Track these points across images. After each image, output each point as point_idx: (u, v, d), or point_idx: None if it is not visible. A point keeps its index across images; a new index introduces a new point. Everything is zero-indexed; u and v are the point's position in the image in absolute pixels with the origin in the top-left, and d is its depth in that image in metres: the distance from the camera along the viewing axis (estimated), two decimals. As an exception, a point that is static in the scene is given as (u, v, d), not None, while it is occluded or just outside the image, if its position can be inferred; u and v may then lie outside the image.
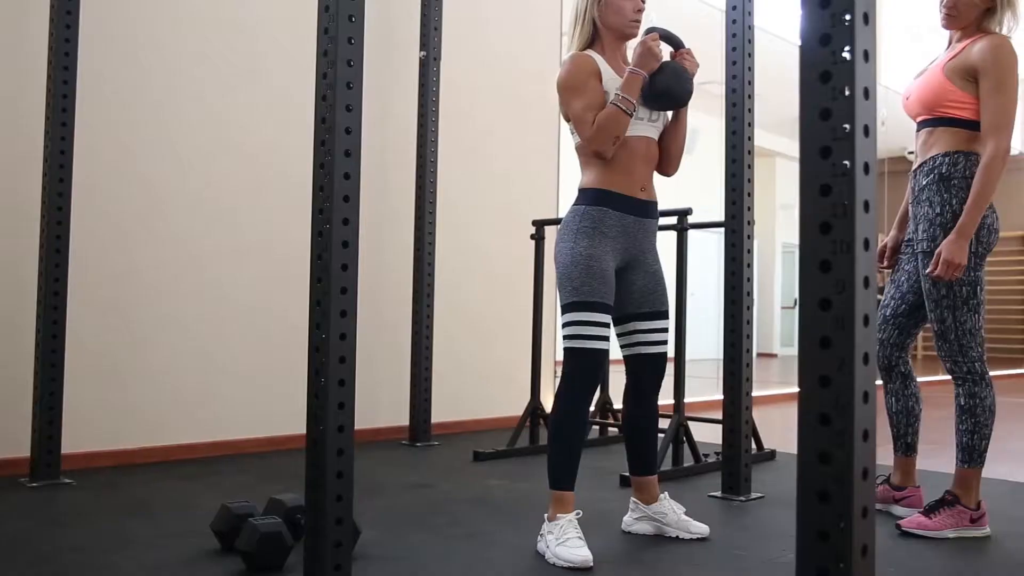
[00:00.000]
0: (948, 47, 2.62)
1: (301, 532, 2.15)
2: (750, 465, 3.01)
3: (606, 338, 2.30)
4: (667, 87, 2.30)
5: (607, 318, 2.30)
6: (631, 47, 2.40)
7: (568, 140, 2.49)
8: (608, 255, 2.31)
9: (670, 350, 2.55)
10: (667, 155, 2.47)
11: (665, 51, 2.37)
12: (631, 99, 2.27)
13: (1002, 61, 2.43)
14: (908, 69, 2.92)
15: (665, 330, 2.47)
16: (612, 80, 2.33)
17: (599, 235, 2.30)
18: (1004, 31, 2.52)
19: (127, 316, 3.42)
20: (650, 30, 2.36)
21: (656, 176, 2.46)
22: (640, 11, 2.39)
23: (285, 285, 3.80)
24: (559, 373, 2.46)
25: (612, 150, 2.29)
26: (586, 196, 2.36)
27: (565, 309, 2.31)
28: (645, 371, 2.46)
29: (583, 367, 2.28)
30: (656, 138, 2.42)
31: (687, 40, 2.45)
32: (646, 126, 2.37)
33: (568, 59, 2.37)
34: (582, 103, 2.30)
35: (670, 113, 2.46)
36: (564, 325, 2.31)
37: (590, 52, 2.38)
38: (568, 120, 2.39)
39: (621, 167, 2.33)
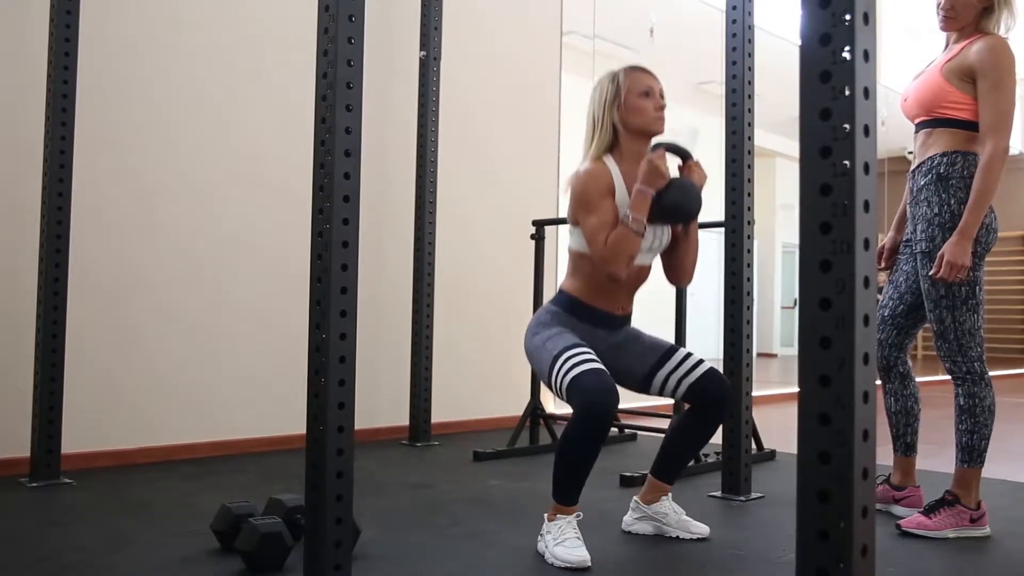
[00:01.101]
0: (946, 48, 2.63)
1: (301, 532, 2.15)
2: (750, 465, 3.01)
3: (600, 362, 2.20)
4: (676, 205, 2.26)
5: (592, 352, 2.23)
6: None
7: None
8: (578, 338, 2.29)
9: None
10: (681, 267, 2.42)
11: (672, 160, 2.33)
12: (641, 219, 2.22)
13: (1000, 61, 2.43)
14: (908, 69, 2.92)
15: (692, 355, 2.39)
16: (625, 198, 2.29)
17: (567, 328, 2.31)
18: (1002, 31, 2.52)
19: (127, 316, 3.42)
20: (656, 146, 2.31)
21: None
22: (662, 107, 2.33)
23: (285, 285, 3.80)
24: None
25: (626, 271, 2.26)
26: (564, 301, 2.35)
27: (551, 367, 2.21)
28: (709, 393, 2.33)
29: (589, 391, 2.11)
30: (650, 263, 2.40)
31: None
32: (644, 255, 2.34)
33: (583, 172, 2.29)
34: (595, 221, 2.24)
35: (668, 235, 2.40)
36: (556, 376, 2.19)
37: (607, 162, 2.32)
38: (574, 224, 2.33)
39: (608, 290, 2.31)
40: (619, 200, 2.29)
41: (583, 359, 2.18)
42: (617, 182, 2.30)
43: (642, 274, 2.39)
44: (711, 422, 2.37)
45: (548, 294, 4.35)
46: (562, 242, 4.95)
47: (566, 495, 2.22)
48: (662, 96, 2.34)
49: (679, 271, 2.44)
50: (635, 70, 2.36)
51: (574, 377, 2.15)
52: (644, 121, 2.32)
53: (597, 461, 2.19)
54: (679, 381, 2.35)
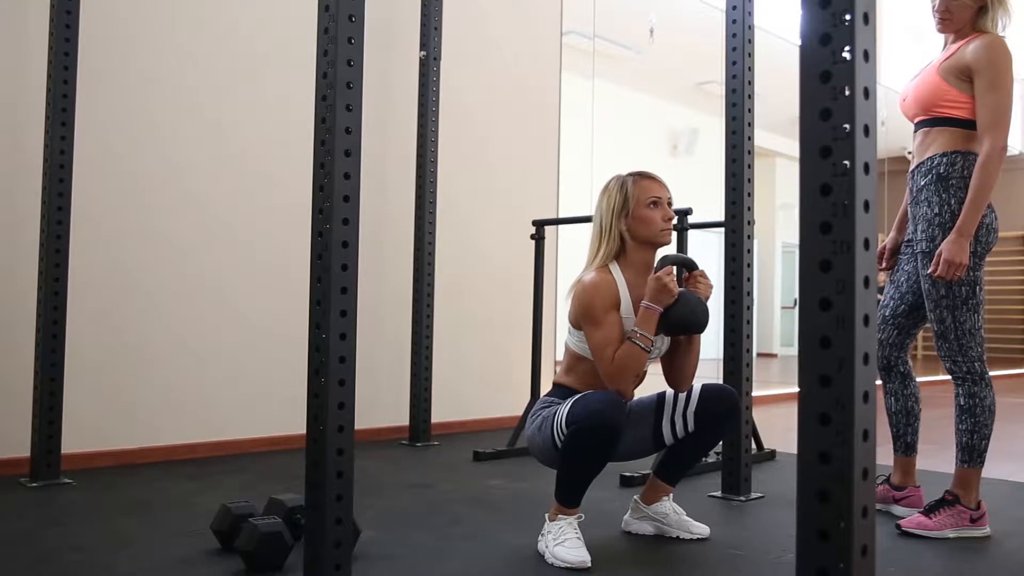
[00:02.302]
0: (944, 48, 2.63)
1: (301, 532, 2.15)
2: (750, 465, 3.01)
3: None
4: (683, 320, 2.25)
5: None
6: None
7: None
8: None
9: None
10: (681, 373, 2.40)
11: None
12: (649, 336, 2.21)
13: (996, 59, 2.44)
14: (908, 69, 2.92)
15: (681, 391, 2.39)
16: (630, 309, 2.28)
17: None
18: (999, 29, 2.52)
19: (127, 316, 3.42)
20: (663, 261, 2.30)
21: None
22: (670, 218, 2.32)
23: (285, 285, 3.80)
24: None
25: (632, 388, 2.26)
26: (560, 392, 2.34)
27: (554, 416, 2.22)
28: (715, 410, 2.32)
29: (594, 399, 2.13)
30: (649, 367, 2.37)
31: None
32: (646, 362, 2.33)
33: (588, 283, 2.26)
34: (600, 336, 2.22)
35: (667, 342, 2.39)
36: (558, 417, 2.20)
37: (613, 271, 2.30)
38: (576, 328, 2.31)
39: (604, 388, 2.27)
40: (624, 311, 2.28)
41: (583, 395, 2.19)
42: (622, 292, 2.29)
43: (641, 374, 2.35)
44: (723, 430, 2.38)
45: (548, 294, 4.37)
46: (563, 242, 4.95)
47: (569, 499, 2.23)
48: (670, 204, 2.34)
49: (679, 376, 2.40)
50: (644, 178, 2.34)
51: (574, 401, 2.17)
52: (652, 233, 2.30)
53: (598, 471, 2.19)
54: (683, 416, 2.35)
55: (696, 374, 2.42)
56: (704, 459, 3.45)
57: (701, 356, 2.42)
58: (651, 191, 2.31)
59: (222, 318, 3.68)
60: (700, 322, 2.27)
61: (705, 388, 2.36)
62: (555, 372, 4.77)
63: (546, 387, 4.55)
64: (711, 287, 2.36)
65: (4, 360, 3.13)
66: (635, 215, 2.30)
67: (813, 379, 1.05)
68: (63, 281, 3.02)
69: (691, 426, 2.34)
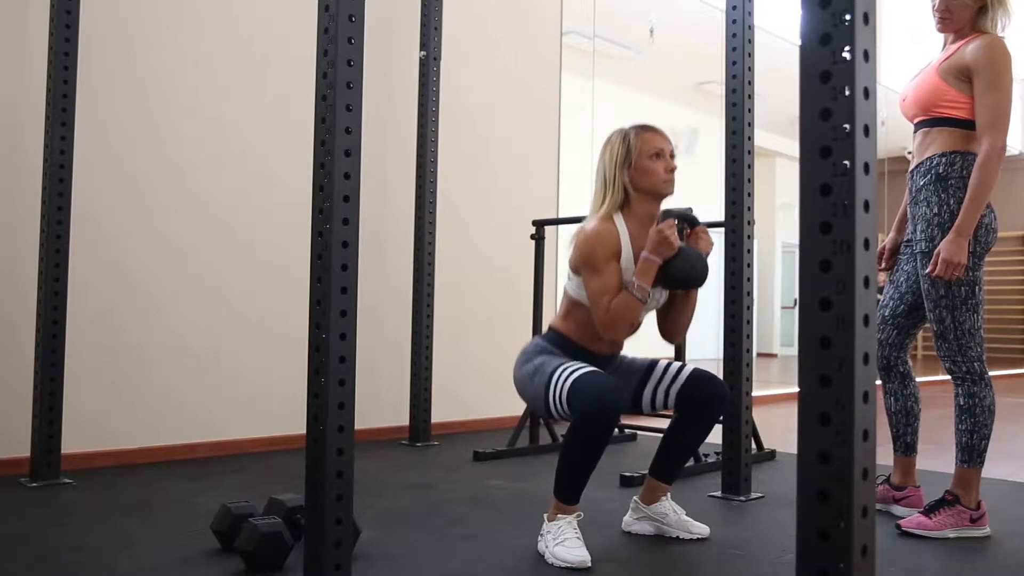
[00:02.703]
0: (944, 48, 2.63)
1: (301, 532, 2.15)
2: (750, 465, 3.01)
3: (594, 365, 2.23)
4: (682, 275, 2.26)
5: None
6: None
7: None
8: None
9: (670, 350, 2.54)
10: (676, 325, 2.43)
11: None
12: (647, 287, 2.22)
13: (995, 60, 2.44)
14: (908, 69, 2.92)
15: (672, 363, 2.41)
16: (630, 261, 2.29)
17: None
18: (999, 30, 2.52)
19: (127, 316, 3.42)
20: (665, 214, 2.30)
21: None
22: (672, 169, 2.33)
23: (285, 285, 3.80)
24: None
25: (626, 336, 2.28)
26: (552, 337, 2.36)
27: (548, 383, 2.23)
28: (700, 395, 2.34)
29: (591, 388, 2.12)
30: (645, 316, 2.39)
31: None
32: (642, 312, 2.34)
33: (591, 231, 2.28)
34: (599, 284, 2.24)
35: (665, 295, 2.40)
36: (555, 388, 2.20)
37: (616, 221, 2.31)
38: (575, 273, 2.33)
39: (599, 336, 2.30)
40: (625, 262, 2.29)
41: (581, 366, 2.20)
42: (624, 243, 2.30)
43: (635, 327, 2.37)
44: (706, 420, 2.38)
45: (548, 294, 4.36)
46: (563, 242, 4.95)
47: (568, 493, 2.22)
48: (673, 157, 2.34)
49: (673, 329, 2.44)
50: (646, 130, 2.35)
51: (575, 380, 2.16)
52: (654, 184, 2.31)
53: (598, 461, 2.19)
54: (666, 391, 2.37)
55: (689, 328, 2.45)
56: (704, 459, 3.45)
57: (701, 357, 2.42)
58: (654, 143, 2.32)
59: (222, 318, 3.68)
60: (699, 277, 2.29)
61: (696, 372, 2.37)
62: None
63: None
64: (712, 244, 2.37)
65: (4, 360, 3.13)
66: (638, 166, 2.31)
67: (813, 379, 1.05)
68: (63, 281, 3.02)
69: (670, 403, 2.36)
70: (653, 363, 2.42)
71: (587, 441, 2.15)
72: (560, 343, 2.35)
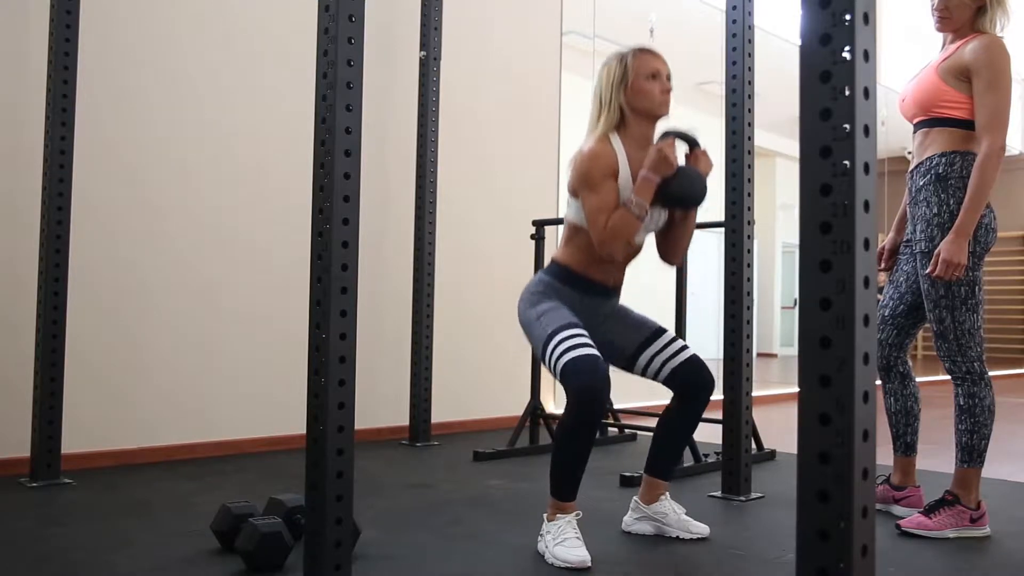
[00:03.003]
0: (943, 48, 2.63)
1: (301, 532, 2.15)
2: (750, 465, 3.01)
3: (594, 346, 2.22)
4: (682, 194, 2.27)
5: (587, 334, 2.24)
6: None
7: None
8: (571, 314, 2.29)
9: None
10: (675, 247, 2.44)
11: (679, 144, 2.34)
12: (645, 205, 2.23)
13: (994, 60, 2.44)
14: (908, 69, 2.92)
15: (677, 339, 2.42)
16: (628, 180, 2.29)
17: (559, 301, 2.31)
18: (997, 30, 2.52)
19: (127, 316, 3.42)
20: (665, 134, 2.32)
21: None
22: (667, 91, 2.33)
23: (285, 285, 3.80)
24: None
25: (623, 254, 2.28)
26: (556, 271, 2.36)
27: (544, 346, 2.22)
28: (690, 379, 2.37)
29: (584, 374, 2.13)
30: (644, 239, 2.40)
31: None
32: (640, 233, 2.35)
33: (588, 151, 2.29)
34: (596, 202, 2.25)
35: (665, 214, 2.41)
36: (550, 357, 2.20)
37: (613, 142, 2.31)
38: (574, 196, 2.34)
39: (601, 262, 2.32)
40: (622, 182, 2.29)
41: (576, 342, 2.19)
42: (621, 163, 2.31)
43: (636, 249, 2.39)
44: (693, 411, 2.40)
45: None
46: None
47: (564, 489, 2.23)
48: (669, 79, 2.35)
49: (672, 251, 2.46)
50: (643, 52, 2.36)
51: (568, 361, 2.16)
52: (650, 104, 2.32)
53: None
54: (663, 363, 2.38)
55: (687, 250, 2.47)
56: (704, 459, 3.45)
57: (702, 356, 2.42)
58: (650, 64, 2.33)
59: (222, 318, 3.68)
60: (698, 195, 2.29)
61: (695, 357, 2.39)
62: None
63: (546, 387, 4.57)
64: (712, 165, 2.37)
65: (4, 360, 3.13)
66: (634, 87, 2.32)
67: (813, 379, 1.05)
68: (63, 281, 3.02)
69: (662, 376, 2.38)
70: (660, 330, 2.42)
71: (579, 427, 2.16)
72: (562, 275, 2.34)
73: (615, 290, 2.42)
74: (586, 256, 2.33)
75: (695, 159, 2.36)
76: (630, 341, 2.40)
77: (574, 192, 2.33)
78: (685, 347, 2.40)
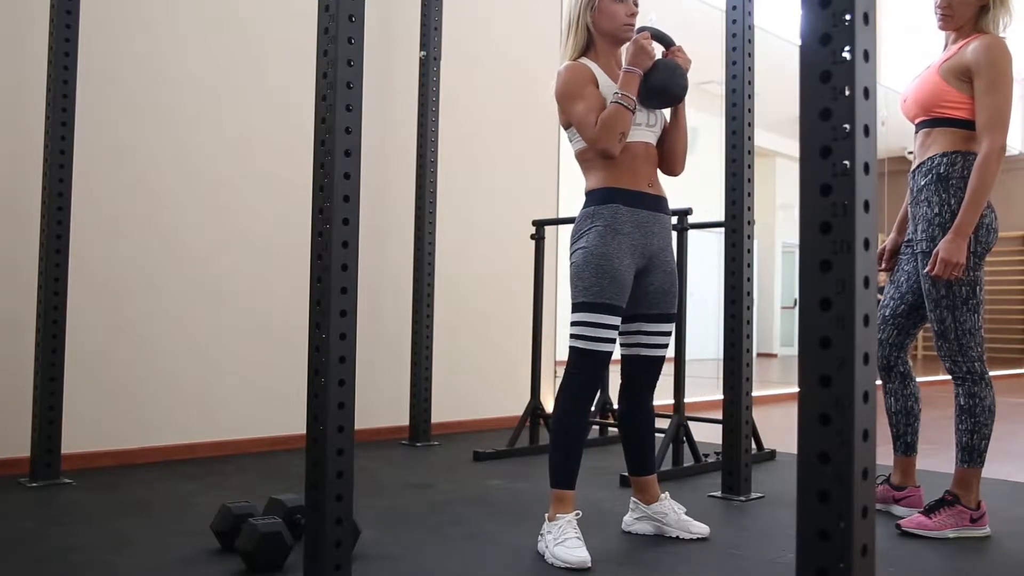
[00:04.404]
0: (945, 48, 2.63)
1: (301, 532, 2.15)
2: (750, 465, 3.01)
3: (612, 340, 2.29)
4: (663, 83, 2.32)
5: (616, 320, 2.27)
6: (624, 52, 2.40)
7: (567, 141, 2.48)
8: (625, 254, 2.28)
9: (670, 350, 2.55)
10: (672, 155, 2.46)
11: (657, 50, 2.38)
12: (631, 95, 2.27)
13: (995, 60, 2.44)
14: (908, 69, 2.92)
15: (669, 334, 2.46)
16: (608, 86, 2.33)
17: (613, 232, 2.28)
18: (1000, 30, 2.52)
19: (127, 316, 3.42)
20: (641, 30, 2.37)
21: (661, 177, 2.46)
22: (633, 15, 2.39)
23: (285, 285, 3.80)
24: (560, 373, 2.46)
25: (619, 147, 2.27)
26: (594, 197, 2.34)
27: (575, 308, 2.30)
28: (641, 372, 2.46)
29: (586, 367, 2.28)
30: (655, 142, 2.42)
31: (687, 41, 2.46)
32: (644, 131, 2.37)
33: (563, 69, 2.36)
34: (583, 107, 2.29)
35: (667, 115, 2.46)
36: (572, 324, 2.30)
37: (584, 60, 2.38)
38: (567, 127, 2.39)
39: (625, 166, 2.33)
40: (603, 89, 2.33)
41: (595, 335, 2.25)
42: (598, 73, 2.35)
43: (650, 151, 2.39)
44: (640, 401, 2.48)
45: (548, 294, 4.36)
46: (563, 242, 4.95)
47: (563, 476, 2.26)
48: (636, 4, 2.39)
49: (671, 158, 2.46)
50: None
51: (580, 349, 2.28)
52: (614, 26, 2.37)
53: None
54: (636, 344, 2.43)
55: (686, 154, 2.49)
56: (704, 459, 3.45)
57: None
58: None
59: (222, 318, 3.68)
60: (678, 84, 2.34)
61: (659, 361, 2.46)
62: (556, 373, 4.77)
63: (546, 387, 4.57)
64: (690, 61, 2.40)
65: (4, 360, 3.13)
66: (600, 7, 2.37)
67: (813, 379, 1.05)
68: (63, 281, 3.02)
69: (625, 351, 2.46)
70: (668, 317, 2.43)
71: (579, 386, 2.27)
72: (599, 196, 2.33)
73: (658, 200, 2.38)
74: (609, 170, 2.33)
75: (672, 55, 2.40)
76: (646, 303, 2.40)
77: (566, 120, 2.37)
78: (665, 346, 2.45)
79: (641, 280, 2.38)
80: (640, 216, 2.32)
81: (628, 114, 2.26)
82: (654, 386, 2.50)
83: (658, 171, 2.44)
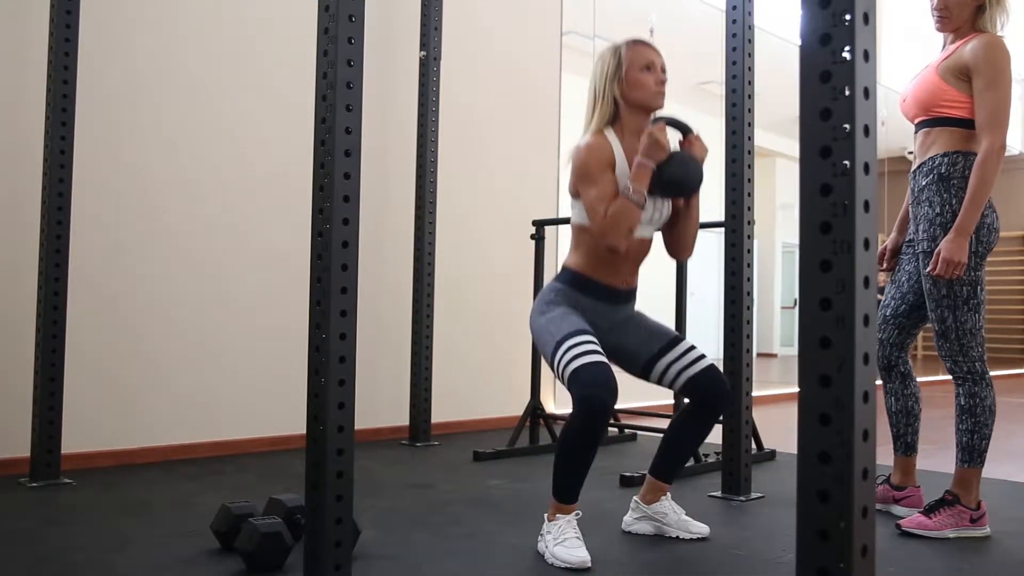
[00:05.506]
0: (943, 48, 2.64)
1: (301, 532, 2.15)
2: (750, 465, 3.01)
3: (603, 353, 2.21)
4: (676, 177, 2.26)
5: (596, 340, 2.22)
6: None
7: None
8: (582, 321, 2.28)
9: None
10: (682, 242, 2.43)
11: (673, 135, 2.34)
12: (642, 190, 2.23)
13: (994, 59, 2.44)
14: (908, 69, 2.92)
15: (695, 348, 2.39)
16: (625, 172, 2.29)
17: (575, 310, 2.30)
18: (997, 29, 2.52)
19: (127, 316, 3.42)
20: (656, 120, 2.32)
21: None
22: (663, 82, 2.33)
23: (285, 285, 3.80)
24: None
25: (626, 243, 2.25)
26: (566, 276, 2.35)
27: (553, 352, 2.20)
28: (707, 389, 2.33)
29: (590, 385, 2.11)
30: (651, 236, 2.40)
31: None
32: (644, 227, 2.34)
33: (584, 145, 2.30)
34: (595, 194, 2.24)
35: (668, 208, 2.40)
36: (558, 363, 2.18)
37: (608, 135, 2.32)
38: (575, 197, 2.34)
39: (610, 263, 2.31)
40: (620, 173, 2.29)
41: (585, 349, 2.17)
42: (618, 155, 2.31)
43: (644, 247, 2.38)
44: (707, 420, 2.38)
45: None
46: (562, 242, 4.95)
47: (566, 493, 2.22)
48: (663, 71, 2.35)
49: (679, 245, 2.44)
50: (637, 43, 2.36)
51: (575, 369, 2.14)
52: (644, 96, 2.32)
53: (597, 461, 2.20)
54: (679, 372, 2.35)
55: (695, 243, 2.44)
56: (704, 459, 3.45)
57: (703, 351, 2.41)
58: (644, 55, 2.33)
59: (222, 318, 3.68)
60: (693, 179, 2.29)
61: (712, 368, 2.36)
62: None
63: (546, 387, 4.57)
64: (707, 150, 2.37)
65: (4, 360, 3.13)
66: (628, 79, 2.31)
67: (813, 379, 1.05)
68: (63, 281, 3.02)
69: (678, 385, 2.35)
70: (676, 339, 2.41)
71: (582, 434, 2.15)
72: (573, 280, 2.33)
73: (628, 294, 2.39)
74: (595, 258, 2.32)
75: (689, 144, 2.36)
76: (646, 349, 2.38)
77: (575, 192, 2.32)
78: (702, 356, 2.37)
79: (624, 340, 2.37)
80: (602, 307, 2.34)
81: (638, 212, 2.23)
82: (724, 405, 2.36)
83: (639, 265, 2.39)
